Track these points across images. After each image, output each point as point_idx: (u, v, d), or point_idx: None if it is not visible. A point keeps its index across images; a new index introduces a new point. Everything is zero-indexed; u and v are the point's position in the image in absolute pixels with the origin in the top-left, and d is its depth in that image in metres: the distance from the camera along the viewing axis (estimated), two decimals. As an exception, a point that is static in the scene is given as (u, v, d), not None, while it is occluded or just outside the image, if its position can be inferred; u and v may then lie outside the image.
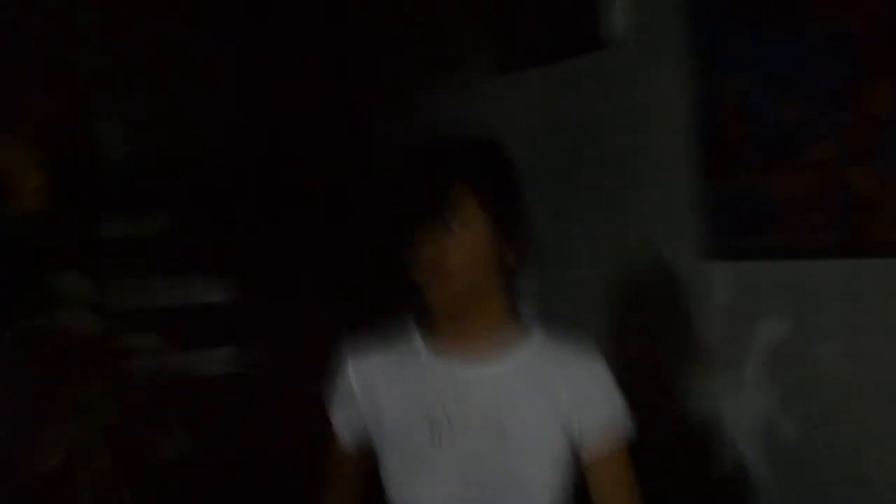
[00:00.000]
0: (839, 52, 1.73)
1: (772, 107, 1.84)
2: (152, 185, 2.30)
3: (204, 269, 2.39)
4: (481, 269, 1.47)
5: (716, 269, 1.97)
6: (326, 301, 2.36)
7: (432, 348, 1.51)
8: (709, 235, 1.96)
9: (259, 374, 2.38)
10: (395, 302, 1.46)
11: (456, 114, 2.39)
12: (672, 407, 2.03)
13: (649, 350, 2.03)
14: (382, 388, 1.51)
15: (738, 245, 1.93)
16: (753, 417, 1.92)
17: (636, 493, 1.48)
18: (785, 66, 1.80)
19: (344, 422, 1.50)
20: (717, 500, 1.96)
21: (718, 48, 1.92)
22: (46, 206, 1.80)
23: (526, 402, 1.49)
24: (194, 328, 2.13)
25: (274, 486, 1.91)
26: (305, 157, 2.69)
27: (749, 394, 1.93)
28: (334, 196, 2.71)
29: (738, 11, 1.88)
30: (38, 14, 1.97)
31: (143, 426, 1.80)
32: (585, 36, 2.20)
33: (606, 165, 2.19)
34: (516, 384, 1.49)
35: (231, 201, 2.51)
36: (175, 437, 1.83)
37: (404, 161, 1.48)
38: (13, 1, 1.92)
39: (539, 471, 1.48)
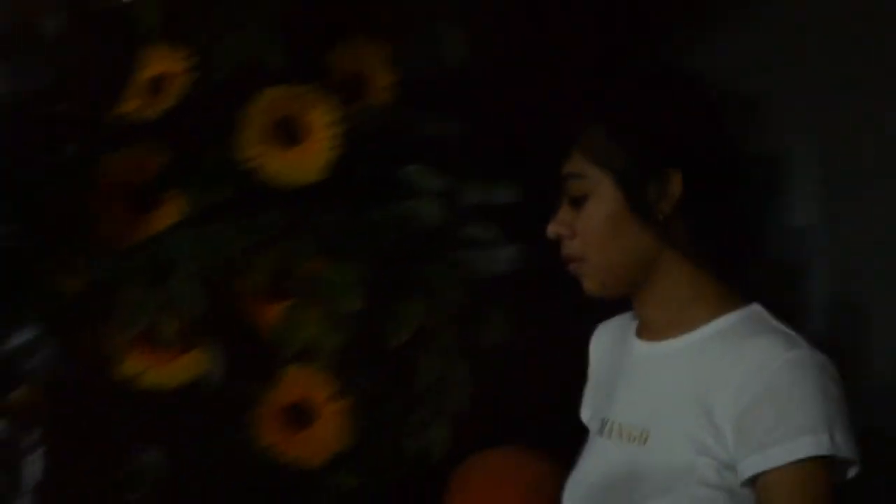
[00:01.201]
0: None
1: None
2: (485, 93, 2.39)
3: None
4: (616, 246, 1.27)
5: None
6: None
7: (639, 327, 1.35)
8: None
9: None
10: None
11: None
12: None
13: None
14: (598, 368, 1.44)
15: None
16: None
17: None
18: None
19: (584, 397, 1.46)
20: None
21: None
22: (395, 102, 1.92)
23: (672, 398, 1.27)
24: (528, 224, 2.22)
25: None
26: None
27: None
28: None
29: None
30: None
31: (479, 311, 1.91)
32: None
33: None
34: (666, 374, 1.29)
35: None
36: (500, 325, 1.94)
37: None
38: None
39: (676, 481, 1.23)
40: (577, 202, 1.28)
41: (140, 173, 1.72)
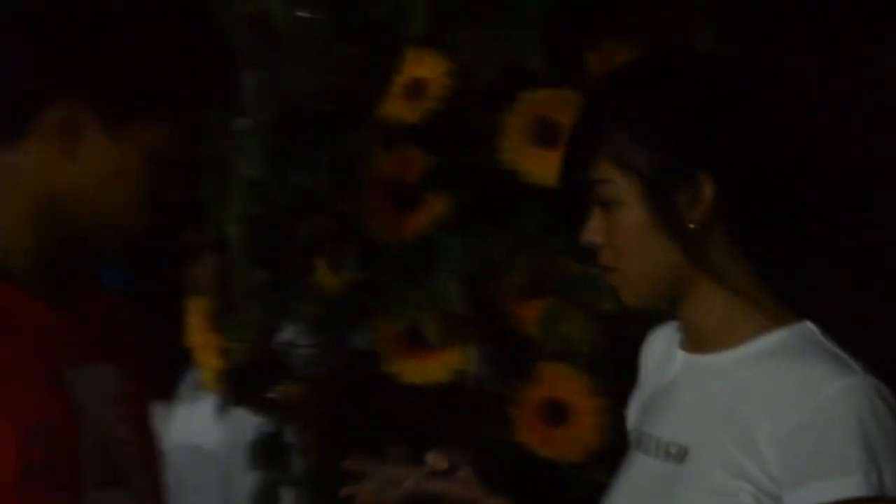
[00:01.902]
0: None
1: None
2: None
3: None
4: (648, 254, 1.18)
5: None
6: None
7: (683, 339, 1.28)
8: None
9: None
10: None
11: None
12: None
13: None
14: (645, 375, 1.38)
15: None
16: None
17: None
18: None
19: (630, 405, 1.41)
20: None
21: None
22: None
23: (713, 417, 1.19)
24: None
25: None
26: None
27: None
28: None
29: None
30: None
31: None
32: None
33: None
34: (708, 391, 1.21)
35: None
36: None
37: None
38: None
39: None
40: (607, 208, 1.21)
41: (405, 173, 1.78)
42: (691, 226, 1.17)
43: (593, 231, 1.22)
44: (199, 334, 1.93)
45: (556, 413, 1.82)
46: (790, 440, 1.11)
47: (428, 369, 1.81)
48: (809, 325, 1.19)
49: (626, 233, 1.20)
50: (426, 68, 1.78)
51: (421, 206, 1.77)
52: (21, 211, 1.42)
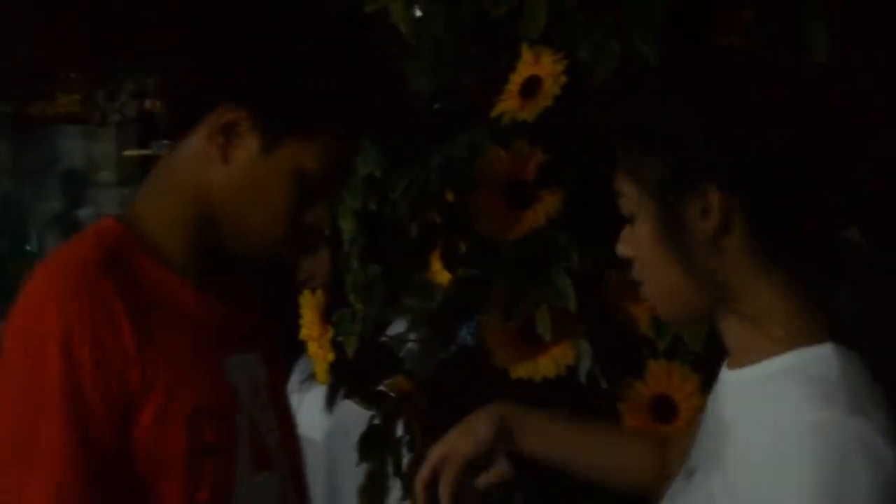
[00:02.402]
0: None
1: None
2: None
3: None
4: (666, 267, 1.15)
5: None
6: None
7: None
8: None
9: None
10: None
11: None
12: None
13: None
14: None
15: None
16: None
17: None
18: None
19: None
20: None
21: None
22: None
23: (720, 434, 1.15)
24: None
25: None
26: None
27: None
28: None
29: None
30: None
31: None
32: None
33: None
34: (725, 406, 1.17)
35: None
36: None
37: None
38: None
39: None
40: (631, 221, 1.20)
41: (520, 170, 1.79)
42: (701, 237, 1.12)
43: (623, 244, 1.23)
44: (312, 327, 1.97)
45: (664, 410, 1.82)
46: (750, 471, 1.06)
47: (538, 365, 1.82)
48: (828, 349, 1.09)
49: (643, 247, 1.19)
50: (542, 66, 1.80)
51: (535, 202, 1.78)
52: (178, 202, 1.49)
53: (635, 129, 1.17)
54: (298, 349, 2.01)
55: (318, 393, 2.34)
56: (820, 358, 1.08)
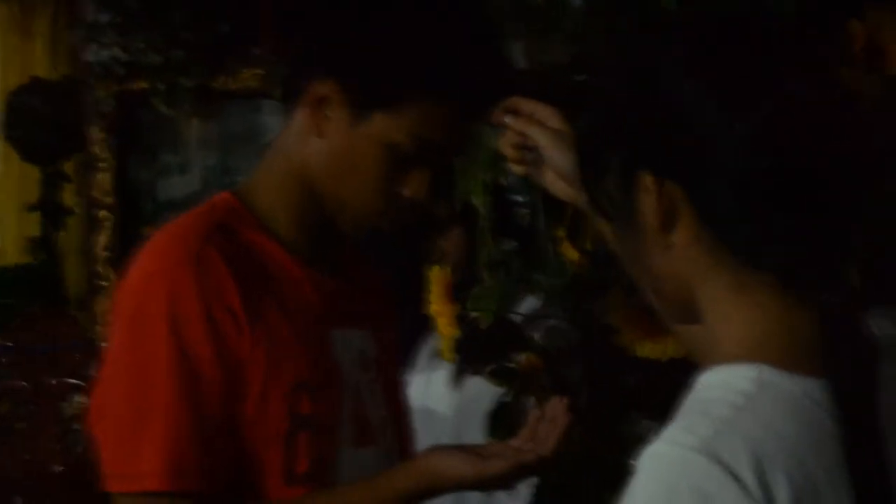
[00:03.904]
0: None
1: None
2: None
3: None
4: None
5: None
6: None
7: None
8: None
9: None
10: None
11: None
12: None
13: None
14: None
15: None
16: None
17: None
18: None
19: None
20: None
21: None
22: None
23: None
24: None
25: None
26: None
27: None
28: None
29: None
30: None
31: None
32: None
33: None
34: None
35: None
36: None
37: None
38: None
39: None
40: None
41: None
42: (649, 231, 0.98)
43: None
44: (439, 303, 1.96)
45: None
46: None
47: (664, 344, 1.78)
48: (750, 370, 0.93)
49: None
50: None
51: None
52: (284, 177, 1.52)
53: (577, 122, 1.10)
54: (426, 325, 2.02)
55: (447, 369, 2.34)
56: (731, 382, 0.94)
